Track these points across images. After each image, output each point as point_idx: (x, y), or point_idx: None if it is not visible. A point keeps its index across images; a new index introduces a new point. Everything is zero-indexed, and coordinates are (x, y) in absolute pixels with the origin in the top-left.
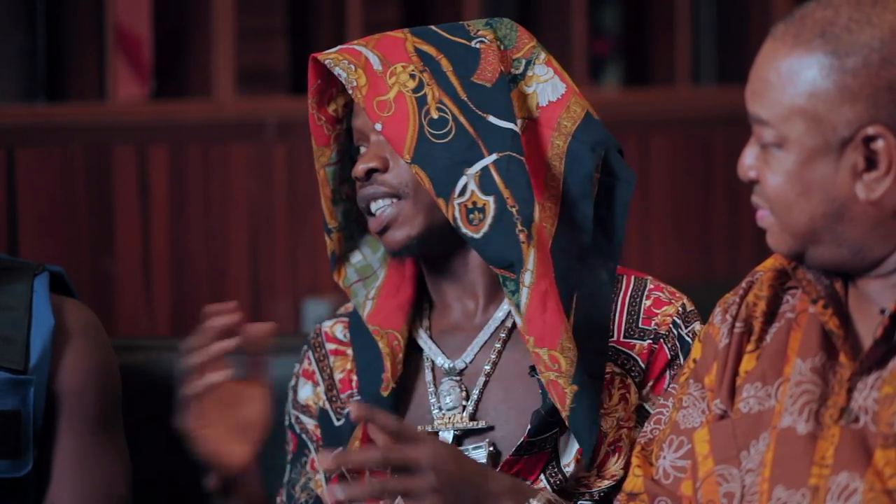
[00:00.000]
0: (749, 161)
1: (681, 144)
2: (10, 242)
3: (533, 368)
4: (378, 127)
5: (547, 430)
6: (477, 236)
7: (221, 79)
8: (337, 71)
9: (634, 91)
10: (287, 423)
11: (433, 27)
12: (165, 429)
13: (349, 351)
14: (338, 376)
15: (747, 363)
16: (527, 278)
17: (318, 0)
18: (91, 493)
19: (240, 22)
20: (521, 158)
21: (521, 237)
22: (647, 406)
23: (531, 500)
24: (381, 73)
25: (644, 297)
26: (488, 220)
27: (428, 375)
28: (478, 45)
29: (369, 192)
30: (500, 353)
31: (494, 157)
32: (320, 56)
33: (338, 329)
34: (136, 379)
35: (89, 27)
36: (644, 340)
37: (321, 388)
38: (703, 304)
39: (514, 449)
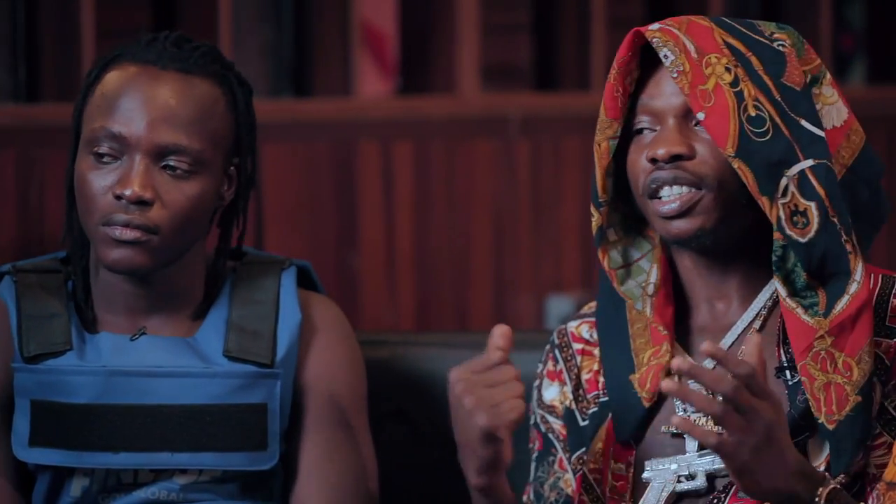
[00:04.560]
0: None
1: None
2: (255, 237)
3: (779, 370)
4: (701, 116)
5: (798, 433)
6: (802, 240)
7: (466, 75)
8: (664, 52)
9: (880, 88)
10: (532, 421)
11: (727, 20)
12: (410, 424)
13: (596, 351)
14: (585, 376)
15: None
16: (853, 287)
17: None
18: (338, 488)
19: (484, 18)
20: (834, 169)
21: (848, 247)
22: (886, 404)
23: (819, 488)
24: (697, 61)
25: (892, 296)
26: (814, 227)
27: (674, 377)
28: (780, 48)
29: (668, 176)
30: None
31: (811, 162)
32: (647, 33)
33: (584, 329)
34: (380, 374)
35: (335, 23)
36: (891, 339)
37: (568, 388)
38: None
39: None
